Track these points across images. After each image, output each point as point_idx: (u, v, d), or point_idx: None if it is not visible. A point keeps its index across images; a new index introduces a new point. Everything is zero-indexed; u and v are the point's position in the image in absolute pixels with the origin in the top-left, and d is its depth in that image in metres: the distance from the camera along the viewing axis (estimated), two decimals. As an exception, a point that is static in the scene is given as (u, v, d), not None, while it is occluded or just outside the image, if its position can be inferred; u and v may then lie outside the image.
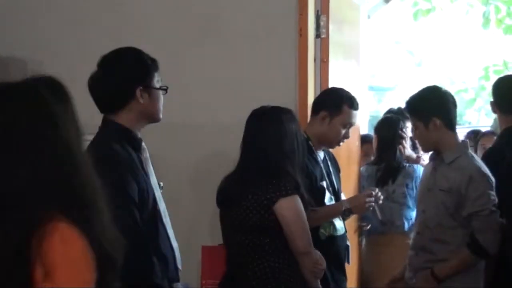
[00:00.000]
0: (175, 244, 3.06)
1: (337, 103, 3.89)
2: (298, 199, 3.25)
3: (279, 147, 3.28)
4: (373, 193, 3.89)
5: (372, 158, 5.28)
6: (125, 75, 2.97)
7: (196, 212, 4.36)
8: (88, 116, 3.18)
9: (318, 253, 3.35)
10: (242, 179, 3.31)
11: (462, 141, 3.83)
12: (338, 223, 3.87)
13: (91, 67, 3.04)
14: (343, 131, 3.89)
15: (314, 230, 3.69)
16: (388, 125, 5.07)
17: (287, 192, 3.21)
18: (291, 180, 3.25)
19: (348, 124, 3.90)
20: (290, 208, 3.22)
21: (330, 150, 4.08)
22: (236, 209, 3.27)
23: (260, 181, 3.24)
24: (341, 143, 3.99)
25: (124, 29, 4.51)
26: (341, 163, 4.23)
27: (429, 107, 3.70)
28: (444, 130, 3.67)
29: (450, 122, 3.70)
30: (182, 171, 4.41)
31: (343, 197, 4.04)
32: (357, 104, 3.95)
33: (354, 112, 3.92)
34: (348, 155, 4.68)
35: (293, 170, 3.28)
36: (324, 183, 3.87)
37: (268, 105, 3.44)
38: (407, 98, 3.89)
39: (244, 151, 3.36)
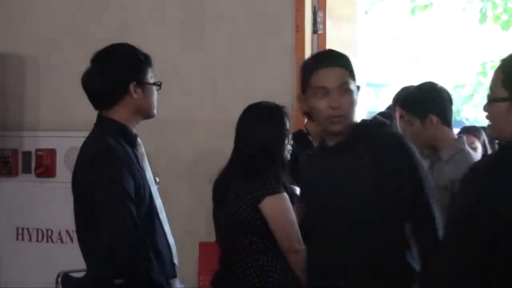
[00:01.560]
0: (171, 240, 3.06)
1: None
2: (285, 197, 3.21)
3: (266, 145, 3.24)
4: None
5: None
6: (119, 71, 2.97)
7: (193, 208, 4.35)
8: (84, 113, 3.20)
9: None
10: (230, 177, 3.29)
11: (459, 137, 3.81)
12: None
13: (87, 64, 3.04)
14: None
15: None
16: None
17: (274, 190, 3.18)
18: (278, 178, 3.22)
19: None
20: (277, 206, 3.18)
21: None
22: (224, 207, 3.25)
23: (246, 179, 3.22)
24: None
25: (120, 26, 4.50)
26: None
27: (426, 104, 3.66)
28: (441, 127, 3.64)
29: (446, 118, 3.66)
30: (178, 166, 4.40)
31: None
32: None
33: None
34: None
35: (279, 168, 3.25)
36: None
37: (261, 101, 3.41)
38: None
39: (234, 149, 3.35)
